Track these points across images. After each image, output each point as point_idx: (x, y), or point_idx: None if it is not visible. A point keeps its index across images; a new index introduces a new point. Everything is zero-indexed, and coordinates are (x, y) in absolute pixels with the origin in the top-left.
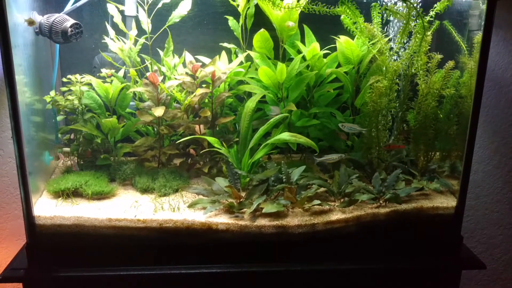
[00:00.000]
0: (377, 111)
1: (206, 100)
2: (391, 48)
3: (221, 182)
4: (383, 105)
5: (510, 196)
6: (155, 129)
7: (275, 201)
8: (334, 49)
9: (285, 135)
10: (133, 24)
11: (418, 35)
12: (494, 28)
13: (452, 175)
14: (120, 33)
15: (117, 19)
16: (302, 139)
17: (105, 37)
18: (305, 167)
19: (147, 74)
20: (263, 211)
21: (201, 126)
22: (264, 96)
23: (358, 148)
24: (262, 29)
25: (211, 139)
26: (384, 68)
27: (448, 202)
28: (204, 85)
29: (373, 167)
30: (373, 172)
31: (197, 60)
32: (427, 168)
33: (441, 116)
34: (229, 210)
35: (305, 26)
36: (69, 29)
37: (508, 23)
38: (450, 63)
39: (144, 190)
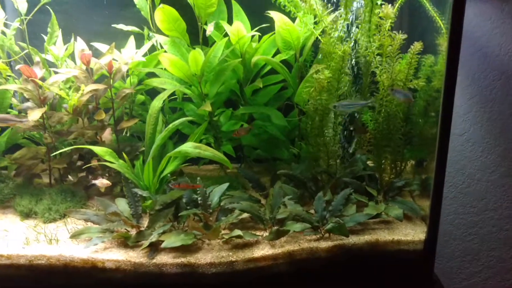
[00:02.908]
0: (320, 110)
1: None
2: (348, 28)
3: (122, 205)
4: (327, 103)
5: None
6: None
7: (184, 231)
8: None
9: (188, 147)
10: None
11: (367, 8)
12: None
13: (425, 195)
14: None
15: None
16: (207, 151)
17: None
18: (228, 184)
19: (18, 67)
20: (162, 245)
21: (108, 131)
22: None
23: (305, 159)
24: (162, 5)
25: (99, 149)
26: (330, 54)
27: (415, 233)
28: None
29: (318, 184)
30: (318, 190)
31: (91, 49)
32: (391, 186)
33: (414, 115)
34: (125, 242)
35: (233, 2)
36: None
37: None
38: (417, 45)
39: (26, 215)
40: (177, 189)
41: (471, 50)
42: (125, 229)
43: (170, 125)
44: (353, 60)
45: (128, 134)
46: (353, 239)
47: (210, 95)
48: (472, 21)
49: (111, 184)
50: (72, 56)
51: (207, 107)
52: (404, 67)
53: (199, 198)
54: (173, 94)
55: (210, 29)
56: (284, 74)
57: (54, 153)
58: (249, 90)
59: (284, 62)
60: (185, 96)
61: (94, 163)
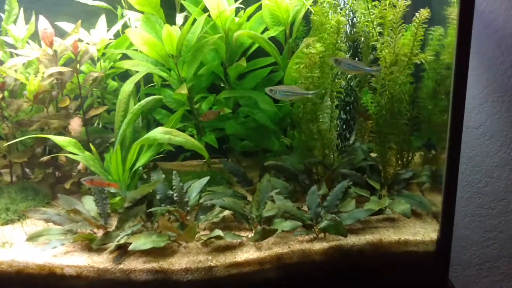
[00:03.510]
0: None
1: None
2: None
3: (88, 203)
4: (320, 82)
5: None
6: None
7: (158, 232)
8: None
9: (157, 133)
10: None
11: None
12: None
13: (437, 188)
14: None
15: None
16: (179, 137)
17: None
18: (209, 178)
19: None
20: (130, 247)
21: (76, 121)
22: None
23: (297, 149)
24: None
25: (60, 139)
26: (322, 25)
27: (426, 232)
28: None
29: (312, 177)
30: (312, 184)
31: (56, 29)
32: (397, 178)
33: (421, 98)
34: (90, 245)
35: None
36: None
37: None
38: (423, 12)
39: None
40: (89, 185)
41: (486, 33)
42: (91, 230)
43: (136, 106)
44: (351, 33)
45: (100, 125)
46: (352, 240)
47: (188, 77)
48: (486, 0)
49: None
50: (38, 39)
51: (183, 90)
52: (409, 39)
53: (174, 194)
54: (152, 80)
55: (179, 21)
56: (273, 53)
57: (9, 143)
58: (233, 72)
59: (274, 42)
60: (165, 83)
61: (61, 157)
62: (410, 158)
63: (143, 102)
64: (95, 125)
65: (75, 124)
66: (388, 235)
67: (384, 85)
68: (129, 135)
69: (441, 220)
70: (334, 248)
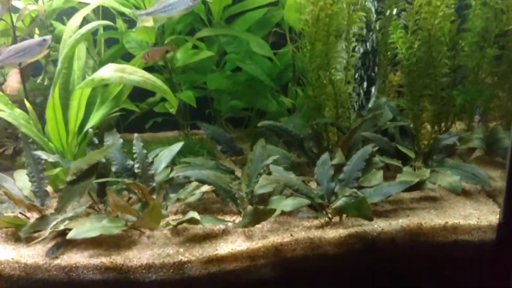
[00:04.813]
0: (324, 24)
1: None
2: None
3: (21, 179)
4: (332, 9)
5: None
6: None
7: (115, 216)
8: None
9: (107, 71)
10: None
11: None
12: None
13: (491, 158)
14: None
15: None
16: (134, 75)
17: None
18: (184, 146)
19: None
20: (69, 235)
21: (14, 76)
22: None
23: (302, 107)
24: None
25: None
26: None
27: (481, 214)
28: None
29: (322, 143)
30: (322, 152)
31: None
32: (436, 144)
33: (463, 45)
34: (16, 234)
35: None
36: None
37: None
38: None
39: None
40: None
41: None
42: (21, 213)
43: (73, 35)
44: None
45: (45, 82)
46: (380, 225)
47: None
48: None
49: None
50: None
51: (148, 22)
52: None
53: (136, 165)
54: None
55: None
56: None
57: None
58: (217, 7)
59: None
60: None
61: None
62: (451, 121)
63: (82, 29)
64: (39, 81)
65: (13, 79)
66: (430, 219)
67: (418, 21)
68: (77, 83)
69: (505, 197)
70: (354, 236)
